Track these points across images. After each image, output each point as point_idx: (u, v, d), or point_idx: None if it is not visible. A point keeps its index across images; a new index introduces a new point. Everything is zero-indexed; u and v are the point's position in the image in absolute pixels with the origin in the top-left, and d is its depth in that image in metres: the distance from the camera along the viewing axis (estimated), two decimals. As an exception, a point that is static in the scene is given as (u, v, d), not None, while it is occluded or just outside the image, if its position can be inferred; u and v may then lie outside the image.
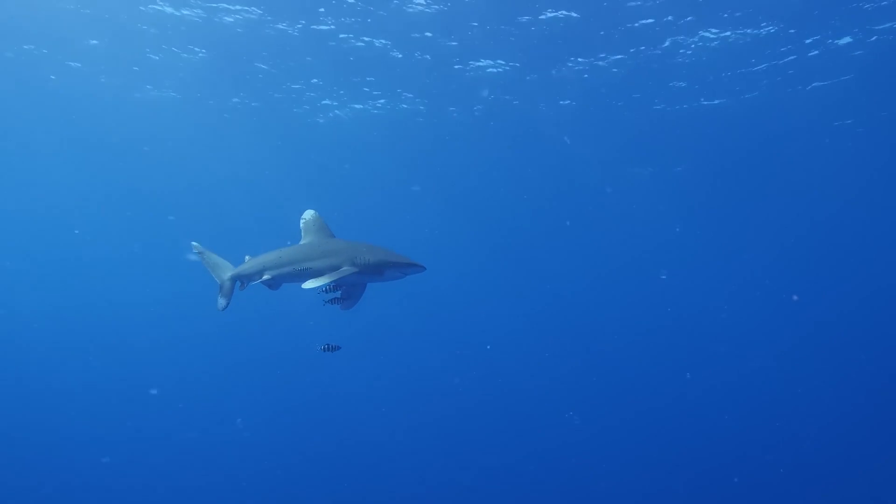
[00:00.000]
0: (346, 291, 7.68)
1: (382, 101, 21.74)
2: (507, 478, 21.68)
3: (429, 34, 16.74)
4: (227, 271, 8.83)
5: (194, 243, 8.95)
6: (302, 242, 8.07)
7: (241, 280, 8.71)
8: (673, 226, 35.28)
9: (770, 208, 32.52)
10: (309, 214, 8.13)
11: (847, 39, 16.61)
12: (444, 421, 26.25)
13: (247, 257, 8.61)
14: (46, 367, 31.52)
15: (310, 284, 7.08)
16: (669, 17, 15.42)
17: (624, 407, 26.64)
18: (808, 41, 16.80)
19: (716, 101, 20.91)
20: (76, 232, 39.47)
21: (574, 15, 15.30)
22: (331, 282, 7.05)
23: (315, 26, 16.51)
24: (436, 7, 15.10)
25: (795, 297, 35.22)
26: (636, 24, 15.79)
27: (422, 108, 22.27)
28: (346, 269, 7.12)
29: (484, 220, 38.25)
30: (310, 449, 23.87)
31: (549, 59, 18.16)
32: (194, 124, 25.20)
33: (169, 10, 15.87)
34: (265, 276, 7.99)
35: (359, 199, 35.19)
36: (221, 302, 8.92)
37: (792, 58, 17.72)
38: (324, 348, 7.18)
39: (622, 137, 24.59)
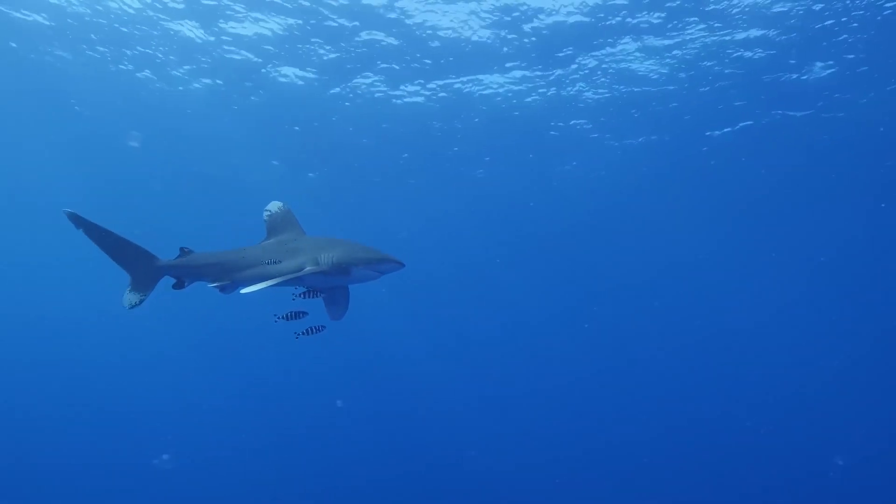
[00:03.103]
0: (328, 297, 6.81)
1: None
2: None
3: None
4: (148, 260, 7.07)
5: (66, 210, 6.62)
6: (267, 241, 7.06)
7: (181, 277, 7.16)
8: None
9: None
10: (275, 207, 7.12)
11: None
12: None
13: (184, 249, 7.22)
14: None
15: (250, 289, 6.08)
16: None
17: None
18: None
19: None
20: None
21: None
22: (282, 284, 6.17)
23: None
24: None
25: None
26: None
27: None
28: (308, 270, 6.24)
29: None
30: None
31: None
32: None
33: None
34: (223, 280, 6.82)
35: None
36: (132, 298, 6.99)
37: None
38: (304, 332, 6.03)
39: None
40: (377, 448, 24.55)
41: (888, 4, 14.46)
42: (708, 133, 22.56)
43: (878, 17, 15.05)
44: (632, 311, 39.56)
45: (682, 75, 18.60)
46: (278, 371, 33.44)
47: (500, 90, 19.74)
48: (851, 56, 17.09)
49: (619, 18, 15.52)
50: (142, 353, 35.41)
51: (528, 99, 20.24)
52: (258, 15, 16.04)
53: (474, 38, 16.62)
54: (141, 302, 7.04)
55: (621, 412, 29.22)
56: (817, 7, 15.02)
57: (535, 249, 37.36)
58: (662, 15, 15.48)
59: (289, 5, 15.45)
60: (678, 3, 14.92)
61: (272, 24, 16.43)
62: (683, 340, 38.37)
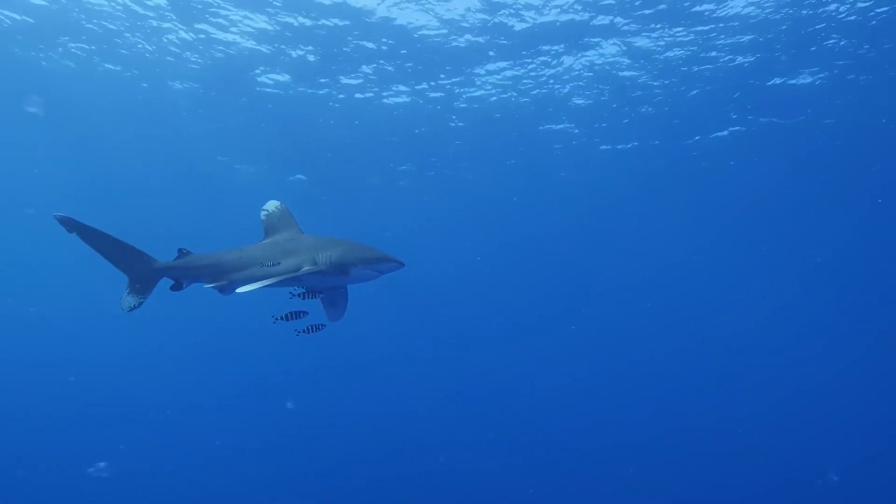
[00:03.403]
0: (327, 298, 6.68)
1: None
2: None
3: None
4: (145, 263, 6.97)
5: (57, 215, 6.46)
6: (265, 240, 6.96)
7: (179, 279, 7.05)
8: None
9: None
10: (272, 206, 7.03)
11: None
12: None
13: (182, 251, 7.10)
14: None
15: (246, 288, 6.01)
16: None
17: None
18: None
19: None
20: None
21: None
22: (279, 284, 6.07)
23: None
24: None
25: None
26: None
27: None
28: (305, 270, 6.14)
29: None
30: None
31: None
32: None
33: None
34: (221, 280, 6.70)
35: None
36: (130, 301, 6.91)
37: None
38: (304, 330, 5.95)
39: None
40: (366, 449, 24.40)
41: (879, 10, 14.59)
42: (698, 137, 22.67)
43: (872, 24, 15.18)
44: (620, 313, 39.64)
45: (673, 79, 18.65)
46: (273, 371, 33.17)
47: (490, 91, 19.67)
48: (841, 62, 17.23)
49: (609, 18, 15.44)
50: (137, 352, 35.06)
51: (517, 100, 20.20)
52: (247, 13, 15.86)
53: (463, 38, 16.55)
54: (139, 304, 6.97)
55: (609, 415, 29.17)
56: (807, 13, 15.10)
57: (522, 251, 37.40)
58: (652, 18, 15.47)
59: (278, 2, 15.29)
60: (667, 6, 14.90)
61: (261, 24, 16.26)
62: (674, 343, 38.47)
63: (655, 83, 18.90)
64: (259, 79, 19.40)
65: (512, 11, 15.28)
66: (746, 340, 36.21)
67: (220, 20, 16.16)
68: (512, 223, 33.46)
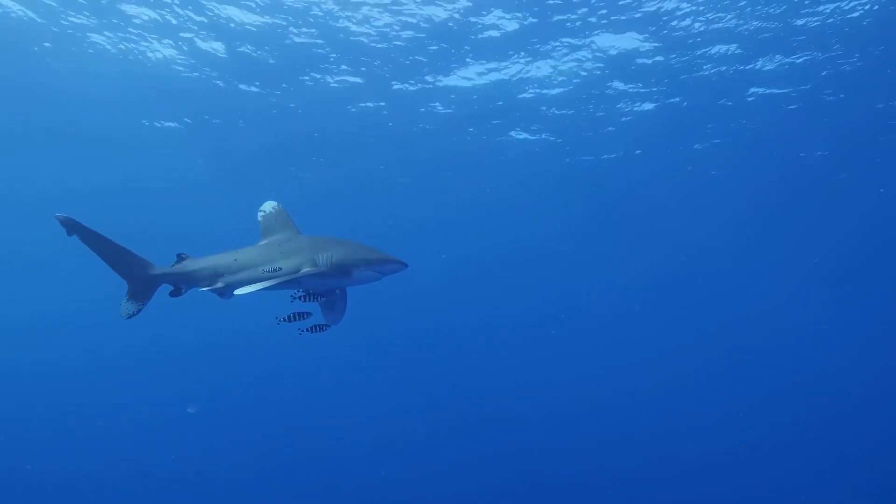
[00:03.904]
0: (326, 301, 6.49)
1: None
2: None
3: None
4: (144, 268, 6.85)
5: (59, 215, 6.30)
6: (262, 242, 6.79)
7: (177, 284, 6.93)
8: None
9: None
10: (269, 206, 6.88)
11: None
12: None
13: (181, 255, 6.97)
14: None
15: (244, 290, 5.86)
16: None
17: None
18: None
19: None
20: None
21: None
22: (278, 286, 5.90)
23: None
24: None
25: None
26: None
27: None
28: (305, 272, 5.97)
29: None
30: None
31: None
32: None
33: None
34: (218, 284, 6.53)
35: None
36: (129, 307, 6.83)
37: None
38: (307, 330, 5.87)
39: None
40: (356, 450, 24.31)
41: (865, 22, 14.81)
42: (682, 147, 22.82)
43: (861, 34, 15.38)
44: (601, 318, 39.77)
45: (659, 88, 18.70)
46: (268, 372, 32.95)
47: (471, 95, 19.54)
48: (825, 73, 17.44)
49: (594, 20, 15.31)
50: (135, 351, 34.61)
51: (498, 105, 20.12)
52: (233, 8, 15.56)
53: (440, 42, 16.41)
54: (139, 311, 6.90)
55: (593, 419, 29.21)
56: (791, 22, 15.23)
57: (505, 256, 37.45)
58: (636, 25, 15.44)
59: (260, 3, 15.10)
60: (649, 12, 14.87)
61: (245, 17, 16.02)
62: (661, 345, 38.64)
63: (638, 91, 18.94)
64: (239, 81, 19.23)
65: (495, 16, 15.17)
66: (738, 341, 36.45)
67: (203, 18, 15.93)
68: (498, 228, 33.50)
